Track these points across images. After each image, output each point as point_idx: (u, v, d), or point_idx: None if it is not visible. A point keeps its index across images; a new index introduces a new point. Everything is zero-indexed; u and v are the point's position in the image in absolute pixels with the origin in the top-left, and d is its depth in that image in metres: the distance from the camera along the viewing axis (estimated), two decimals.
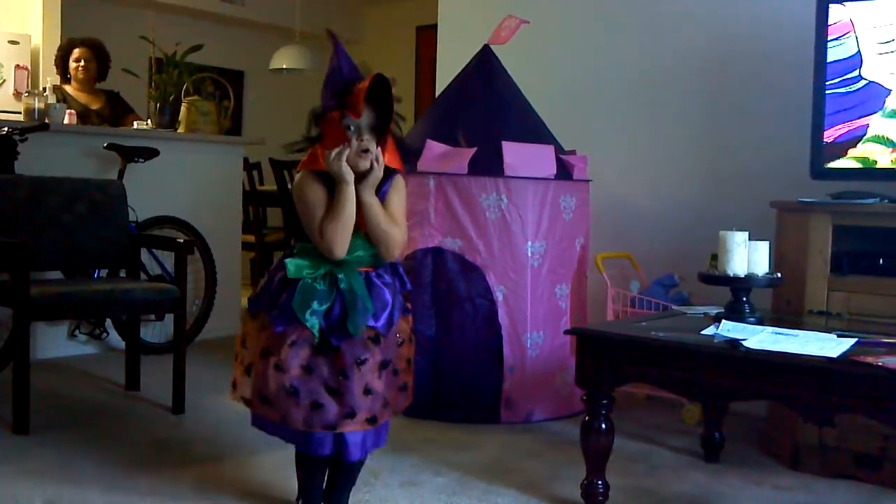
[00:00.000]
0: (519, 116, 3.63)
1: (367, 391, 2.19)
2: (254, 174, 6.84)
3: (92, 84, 5.18)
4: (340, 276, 2.19)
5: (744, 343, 2.29)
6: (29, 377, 3.12)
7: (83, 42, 5.17)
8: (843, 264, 2.94)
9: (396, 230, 2.24)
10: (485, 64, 3.69)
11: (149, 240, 4.05)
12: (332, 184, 2.19)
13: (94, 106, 5.13)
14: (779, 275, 2.78)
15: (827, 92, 3.13)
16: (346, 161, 2.16)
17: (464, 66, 3.78)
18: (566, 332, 2.87)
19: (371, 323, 2.20)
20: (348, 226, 2.17)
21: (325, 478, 2.40)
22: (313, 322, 2.16)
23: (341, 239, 2.17)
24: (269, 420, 2.23)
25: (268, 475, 2.75)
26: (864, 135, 3.09)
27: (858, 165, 3.11)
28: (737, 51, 3.87)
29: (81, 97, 5.12)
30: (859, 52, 3.09)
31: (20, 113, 4.72)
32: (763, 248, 2.71)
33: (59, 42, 5.68)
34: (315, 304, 2.16)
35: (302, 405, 2.15)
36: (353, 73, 2.19)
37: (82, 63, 5.11)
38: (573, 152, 3.69)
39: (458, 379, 3.41)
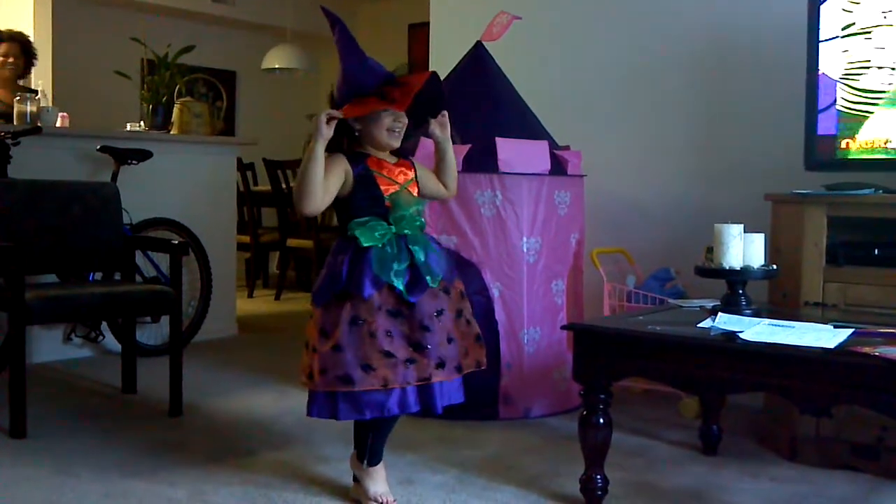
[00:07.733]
0: (512, 112, 3.62)
1: (450, 339, 2.35)
2: (248, 175, 6.84)
3: (15, 82, 4.88)
4: (408, 231, 2.34)
5: (740, 335, 2.28)
6: (25, 381, 3.11)
7: (10, 37, 4.82)
8: (839, 255, 2.94)
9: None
10: (477, 61, 3.68)
11: (143, 242, 4.03)
12: (354, 165, 2.34)
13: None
14: (774, 267, 2.79)
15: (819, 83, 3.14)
16: (379, 136, 2.35)
17: (456, 63, 3.78)
18: (563, 327, 2.87)
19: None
20: (307, 176, 2.24)
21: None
22: (399, 280, 2.28)
23: (303, 190, 2.25)
24: (338, 397, 2.26)
25: (267, 476, 2.74)
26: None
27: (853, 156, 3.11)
28: (729, 43, 3.87)
29: (5, 96, 4.72)
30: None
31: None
32: (758, 240, 2.72)
33: (49, 44, 5.64)
34: (394, 266, 2.28)
35: (399, 364, 2.25)
36: (379, 68, 2.33)
37: (10, 59, 4.82)
38: (567, 147, 3.68)
39: None
